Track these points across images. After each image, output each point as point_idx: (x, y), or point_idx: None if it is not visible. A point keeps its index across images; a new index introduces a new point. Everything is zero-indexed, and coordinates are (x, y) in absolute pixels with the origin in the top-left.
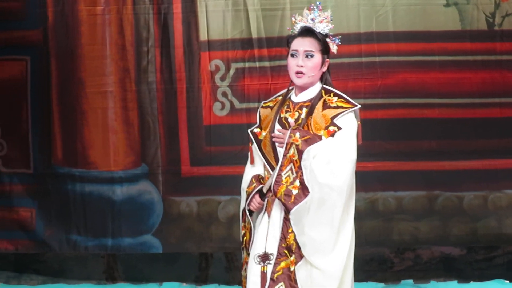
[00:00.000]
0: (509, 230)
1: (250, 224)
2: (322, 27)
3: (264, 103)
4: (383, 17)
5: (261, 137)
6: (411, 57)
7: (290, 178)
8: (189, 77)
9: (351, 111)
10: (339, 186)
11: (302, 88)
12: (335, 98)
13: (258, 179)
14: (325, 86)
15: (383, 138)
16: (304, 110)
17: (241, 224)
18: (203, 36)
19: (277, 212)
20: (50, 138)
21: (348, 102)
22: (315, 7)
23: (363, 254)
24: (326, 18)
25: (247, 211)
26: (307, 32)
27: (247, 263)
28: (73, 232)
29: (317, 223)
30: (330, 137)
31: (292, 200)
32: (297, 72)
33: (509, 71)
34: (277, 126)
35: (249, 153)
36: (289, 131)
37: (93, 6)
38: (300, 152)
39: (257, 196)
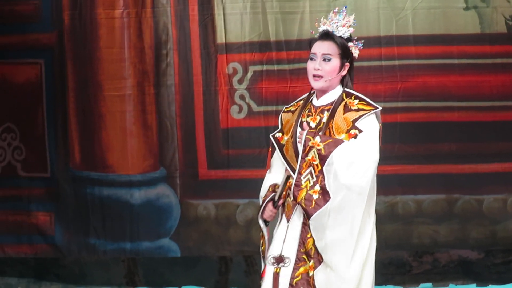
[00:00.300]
0: None
1: (265, 234)
2: (343, 31)
3: (285, 108)
4: (403, 21)
5: (283, 142)
6: (430, 60)
7: (309, 182)
8: (205, 80)
9: (372, 113)
10: (362, 187)
11: (323, 92)
12: (356, 101)
13: (275, 188)
14: (346, 89)
15: (403, 141)
16: (326, 113)
17: (260, 233)
18: (220, 39)
19: (297, 216)
20: (67, 141)
21: (369, 104)
22: (341, 11)
23: (382, 258)
24: (348, 22)
25: (260, 221)
26: (326, 35)
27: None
28: (92, 236)
29: (338, 227)
30: (353, 139)
31: (313, 205)
32: (314, 76)
33: None
34: (299, 130)
35: (267, 159)
36: (305, 133)
37: (112, 10)
38: (323, 157)
39: (270, 204)
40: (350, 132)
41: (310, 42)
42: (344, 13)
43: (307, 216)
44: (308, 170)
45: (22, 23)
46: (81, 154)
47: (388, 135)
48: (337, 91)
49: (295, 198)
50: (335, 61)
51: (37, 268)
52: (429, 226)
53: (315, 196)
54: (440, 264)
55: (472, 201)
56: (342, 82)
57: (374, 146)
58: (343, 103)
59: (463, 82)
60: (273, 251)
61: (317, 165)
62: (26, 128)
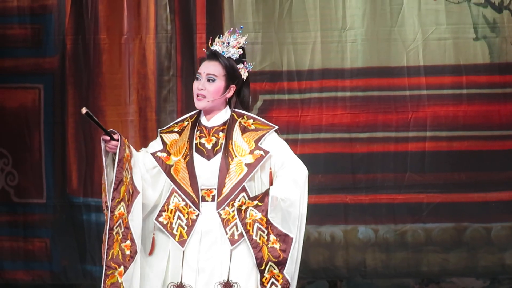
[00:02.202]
0: None
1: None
2: (232, 52)
3: (162, 129)
4: (413, 52)
5: (169, 162)
6: (440, 90)
7: (264, 238)
8: None
9: (272, 132)
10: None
11: (209, 112)
12: (251, 121)
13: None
14: (235, 109)
15: (413, 170)
16: (221, 134)
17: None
18: None
19: (198, 244)
20: (65, 167)
21: (264, 124)
22: (236, 31)
23: (388, 286)
24: (238, 44)
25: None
26: (213, 56)
27: None
28: (89, 262)
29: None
30: (278, 168)
31: (281, 255)
32: (198, 95)
33: None
34: (195, 154)
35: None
36: (236, 215)
37: (116, 35)
38: (263, 207)
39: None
40: (254, 153)
41: (200, 61)
42: (238, 34)
43: (280, 267)
44: (255, 227)
45: (22, 48)
46: (78, 180)
47: (398, 164)
48: (226, 112)
49: (261, 260)
50: (219, 82)
51: None
52: (439, 254)
53: (277, 246)
54: None
55: (481, 229)
56: (230, 104)
57: (298, 161)
58: (237, 123)
59: (473, 111)
60: (171, 278)
61: (261, 218)
62: (20, 154)
